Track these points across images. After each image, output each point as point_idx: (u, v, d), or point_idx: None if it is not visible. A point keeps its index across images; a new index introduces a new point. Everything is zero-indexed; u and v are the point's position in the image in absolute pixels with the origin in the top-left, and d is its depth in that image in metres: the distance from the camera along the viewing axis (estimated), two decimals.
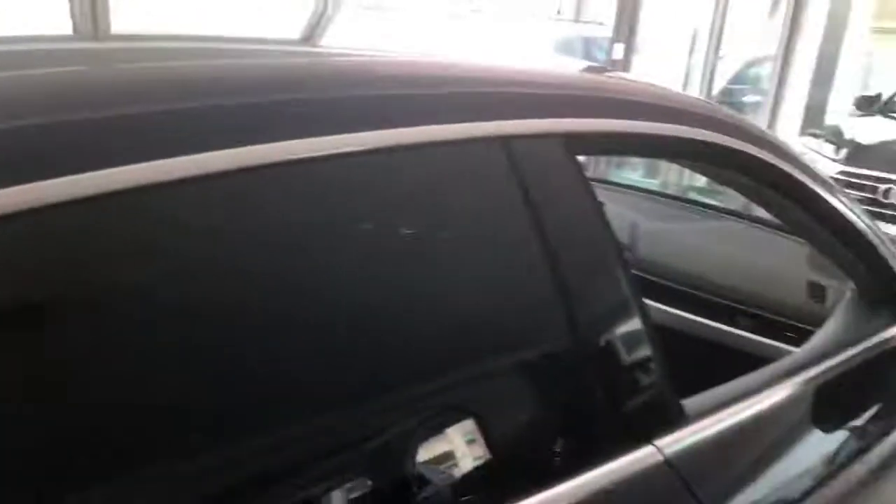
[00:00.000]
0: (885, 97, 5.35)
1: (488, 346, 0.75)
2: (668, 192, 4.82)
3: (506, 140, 0.78)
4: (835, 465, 1.10)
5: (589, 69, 1.45)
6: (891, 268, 1.38)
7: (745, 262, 1.77)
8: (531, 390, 0.78)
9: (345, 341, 0.66)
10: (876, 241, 1.35)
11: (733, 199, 4.03)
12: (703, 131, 1.04)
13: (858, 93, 5.87)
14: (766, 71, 7.13)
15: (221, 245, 0.62)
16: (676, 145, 1.03)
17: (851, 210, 1.31)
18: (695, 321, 1.63)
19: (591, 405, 0.79)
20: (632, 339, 0.84)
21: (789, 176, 1.17)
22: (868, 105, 5.34)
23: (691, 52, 6.29)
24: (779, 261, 1.72)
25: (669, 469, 0.81)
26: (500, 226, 0.78)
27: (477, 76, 0.89)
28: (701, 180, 6.40)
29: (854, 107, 5.63)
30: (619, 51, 5.62)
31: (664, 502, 0.82)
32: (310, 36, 0.97)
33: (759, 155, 1.11)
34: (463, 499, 0.68)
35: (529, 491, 0.71)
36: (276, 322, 0.63)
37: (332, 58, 0.88)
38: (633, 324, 0.84)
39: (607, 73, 1.59)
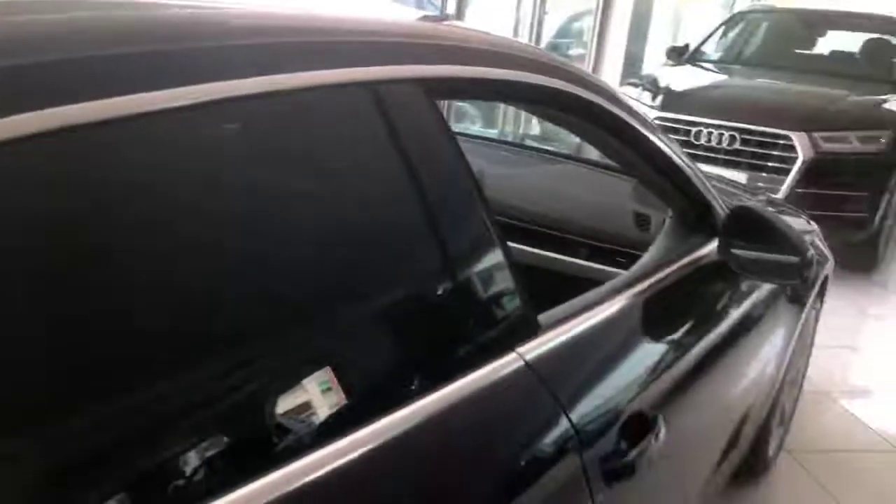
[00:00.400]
0: (692, 48, 5.85)
1: (362, 275, 0.82)
2: (508, 140, 5.04)
3: (368, 85, 0.85)
4: (662, 364, 1.28)
5: (430, 18, 1.53)
6: (703, 196, 1.59)
7: (580, 199, 1.95)
8: (407, 313, 0.86)
9: (220, 279, 0.70)
10: (690, 173, 1.55)
11: (565, 145, 4.29)
12: (545, 78, 1.16)
13: (669, 44, 6.37)
14: (588, 24, 7.53)
15: (87, 196, 0.62)
16: (523, 91, 1.14)
17: (669, 147, 1.49)
18: (542, 255, 1.78)
19: (463, 322, 0.89)
20: (492, 265, 0.95)
21: (618, 118, 1.32)
22: (678, 55, 5.81)
23: (519, 6, 6.53)
24: (609, 197, 1.92)
25: (529, 370, 0.93)
26: (370, 163, 0.85)
27: (334, 25, 0.94)
28: (533, 130, 6.72)
29: (666, 57, 6.11)
30: (452, 3, 5.74)
31: (526, 398, 0.94)
32: None
33: (593, 99, 1.25)
34: (339, 413, 0.74)
35: (408, 400, 0.80)
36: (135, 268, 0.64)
37: (190, 10, 0.89)
38: (493, 251, 0.95)
39: (455, 23, 1.67)
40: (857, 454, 2.74)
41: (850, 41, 5.93)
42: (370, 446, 0.74)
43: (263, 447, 0.68)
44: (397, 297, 0.86)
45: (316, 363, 0.75)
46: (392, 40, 0.96)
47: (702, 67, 5.59)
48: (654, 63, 7.55)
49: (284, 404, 0.70)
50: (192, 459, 0.62)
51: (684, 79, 5.21)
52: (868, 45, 5.55)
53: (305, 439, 0.70)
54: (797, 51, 5.99)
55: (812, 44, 6.08)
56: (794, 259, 1.53)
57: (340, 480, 0.71)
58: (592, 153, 2.06)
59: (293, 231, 0.76)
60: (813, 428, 2.84)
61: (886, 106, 4.65)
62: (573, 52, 7.76)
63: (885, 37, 5.49)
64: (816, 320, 2.56)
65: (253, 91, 0.73)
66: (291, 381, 0.72)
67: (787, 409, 2.53)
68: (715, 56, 5.83)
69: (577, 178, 2.09)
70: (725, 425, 1.74)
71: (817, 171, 4.20)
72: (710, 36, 5.98)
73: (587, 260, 1.77)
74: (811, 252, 1.58)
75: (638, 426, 1.09)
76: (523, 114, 6.58)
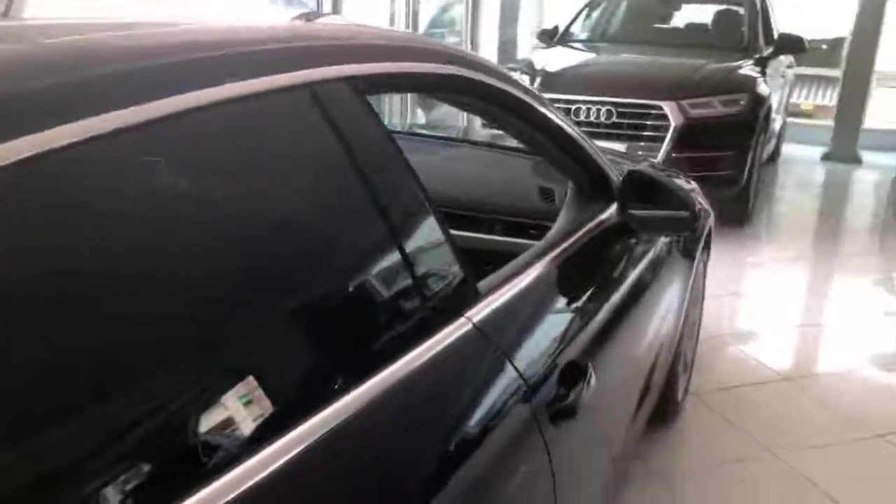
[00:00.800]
0: (561, 30, 6.11)
1: (326, 257, 0.89)
2: (400, 130, 5.11)
3: (306, 87, 0.91)
4: (584, 318, 1.41)
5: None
6: (598, 166, 1.73)
7: (485, 180, 2.06)
8: (369, 291, 0.94)
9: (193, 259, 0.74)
10: (585, 146, 1.69)
11: (454, 131, 4.39)
12: (453, 67, 1.25)
13: (537, 28, 6.63)
14: (459, 13, 7.71)
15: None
16: (437, 81, 1.23)
17: (565, 123, 1.62)
18: (465, 236, 1.88)
19: (418, 294, 0.98)
20: (436, 242, 1.03)
21: (520, 100, 1.43)
22: (549, 38, 6.06)
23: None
24: (512, 175, 2.04)
25: (477, 331, 1.03)
26: (314, 155, 0.92)
27: (257, 36, 0.99)
28: (419, 119, 6.81)
29: (537, 40, 6.36)
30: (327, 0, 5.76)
31: (478, 355, 1.04)
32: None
33: (497, 84, 1.36)
34: (306, 384, 0.80)
35: (375, 368, 0.88)
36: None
37: (117, 31, 0.92)
38: (435, 231, 1.03)
39: (354, 24, 1.74)
40: (752, 387, 3.01)
41: (702, 14, 6.37)
42: (344, 417, 0.80)
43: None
44: (361, 277, 0.93)
45: (289, 334, 0.81)
46: (314, 45, 1.03)
47: (572, 48, 5.85)
48: (527, 47, 7.83)
49: (263, 376, 0.75)
50: (119, 481, 0.61)
51: (558, 60, 5.44)
52: (718, 16, 5.98)
53: (285, 405, 0.76)
54: (656, 25, 6.37)
55: (669, 18, 6.49)
56: (684, 213, 1.70)
57: (319, 446, 0.76)
58: (479, 137, 2.16)
59: (249, 222, 0.82)
60: (712, 370, 3.09)
61: (742, 71, 5.04)
62: (447, 41, 7.93)
63: (733, 7, 5.93)
64: (705, 271, 2.79)
65: (200, 103, 0.78)
66: (271, 347, 0.78)
67: (688, 356, 2.75)
68: (583, 36, 6.11)
69: (478, 160, 2.20)
70: (640, 372, 1.90)
71: (689, 135, 4.51)
72: (576, 17, 6.26)
73: (501, 236, 1.88)
74: (698, 205, 1.76)
75: (572, 373, 1.21)
76: (408, 104, 6.68)
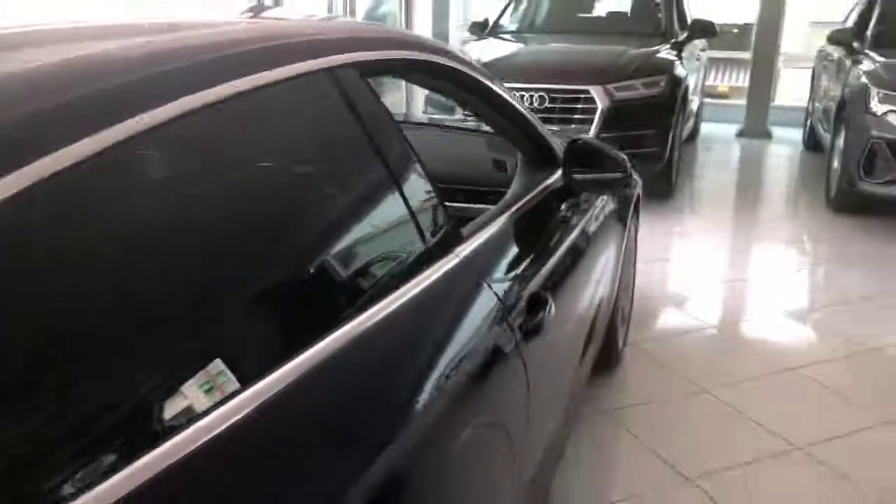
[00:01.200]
0: (490, 22, 6.41)
1: (362, 204, 1.14)
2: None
3: (325, 70, 1.15)
4: (537, 260, 1.68)
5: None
6: (543, 138, 2.01)
7: (445, 156, 2.32)
8: (395, 233, 1.19)
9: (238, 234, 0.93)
10: (532, 120, 1.97)
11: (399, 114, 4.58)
12: (426, 54, 1.51)
13: (464, 21, 6.91)
14: (391, 8, 7.93)
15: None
16: (413, 66, 1.49)
17: (516, 102, 1.89)
18: None
19: (425, 235, 1.23)
20: (429, 199, 1.30)
21: (478, 81, 1.70)
22: (480, 30, 6.36)
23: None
24: (471, 151, 2.31)
25: (465, 264, 1.30)
26: (334, 122, 1.17)
27: (285, 32, 1.22)
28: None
29: (469, 33, 6.64)
30: None
31: (465, 281, 1.30)
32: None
33: (460, 68, 1.62)
34: (354, 291, 1.06)
35: (394, 289, 1.12)
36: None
37: (176, 32, 1.13)
38: (427, 185, 1.29)
39: (337, 17, 1.97)
40: (683, 336, 3.37)
41: (621, 2, 6.77)
42: (373, 322, 1.05)
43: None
44: (388, 223, 1.20)
45: (335, 254, 1.06)
46: (327, 38, 1.27)
47: (502, 39, 6.16)
48: (456, 40, 8.11)
49: (310, 283, 1.00)
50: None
51: (490, 51, 5.73)
52: (635, 4, 6.39)
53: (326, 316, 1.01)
54: (580, 15, 6.74)
55: (591, 7, 6.86)
56: (619, 174, 2.00)
57: (354, 347, 0.99)
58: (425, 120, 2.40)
59: (296, 179, 1.07)
60: (647, 325, 3.43)
61: (660, 55, 5.43)
62: None
63: None
64: (636, 235, 3.11)
65: (242, 89, 1.00)
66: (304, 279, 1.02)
67: (626, 309, 3.08)
68: (512, 27, 6.42)
69: (436, 139, 2.45)
70: (585, 314, 2.19)
71: (615, 116, 4.87)
72: (504, 10, 6.57)
73: (465, 202, 2.14)
74: (630, 165, 2.05)
75: (536, 302, 1.49)
76: None
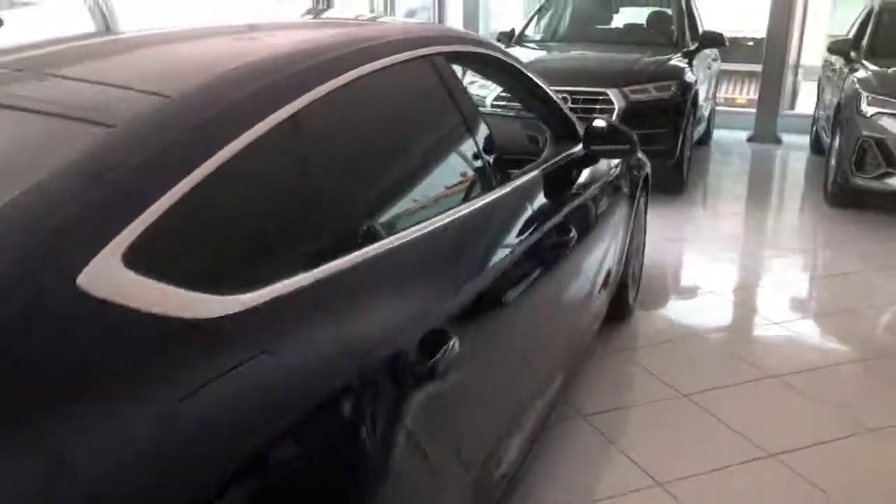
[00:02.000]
0: (517, 32, 7.01)
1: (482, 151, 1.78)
2: None
3: (424, 57, 1.74)
4: (556, 212, 2.24)
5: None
6: (568, 118, 2.59)
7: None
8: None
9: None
10: (561, 105, 2.55)
11: None
12: (480, 48, 2.12)
13: (487, 33, 7.51)
14: (423, 18, 8.55)
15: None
16: (472, 57, 2.10)
17: (549, 90, 2.48)
18: None
19: (487, 170, 1.82)
20: (492, 147, 1.89)
21: (521, 71, 2.29)
22: (508, 39, 6.95)
23: (371, 4, 7.44)
24: (511, 130, 2.91)
25: (519, 191, 1.89)
26: (436, 94, 1.75)
27: (392, 32, 1.81)
28: None
29: (497, 41, 7.23)
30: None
31: (520, 205, 1.89)
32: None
33: (506, 60, 2.22)
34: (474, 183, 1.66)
35: (485, 192, 1.73)
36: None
37: (328, 28, 1.74)
38: (492, 141, 1.89)
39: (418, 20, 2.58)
40: (689, 300, 3.93)
41: (638, 15, 7.34)
42: (467, 213, 1.64)
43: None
44: (470, 159, 1.81)
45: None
46: (421, 34, 1.86)
47: (528, 47, 6.75)
48: None
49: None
50: None
51: (519, 58, 6.30)
52: (651, 17, 6.97)
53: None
54: (599, 26, 7.32)
55: (610, 19, 7.45)
56: (626, 146, 2.57)
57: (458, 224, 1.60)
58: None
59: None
60: (656, 290, 3.98)
61: (671, 63, 6.00)
62: None
63: (663, 9, 6.92)
64: (646, 208, 3.67)
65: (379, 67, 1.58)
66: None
67: (636, 271, 3.63)
68: (537, 37, 7.02)
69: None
70: (602, 266, 2.75)
71: (630, 116, 5.42)
72: (529, 21, 7.17)
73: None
74: (636, 137, 2.62)
75: (567, 230, 2.07)
76: None
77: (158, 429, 0.86)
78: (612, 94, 5.46)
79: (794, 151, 8.14)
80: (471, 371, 1.47)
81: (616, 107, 5.44)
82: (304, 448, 1.03)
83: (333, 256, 1.21)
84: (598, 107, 5.46)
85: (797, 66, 9.16)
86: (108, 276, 0.89)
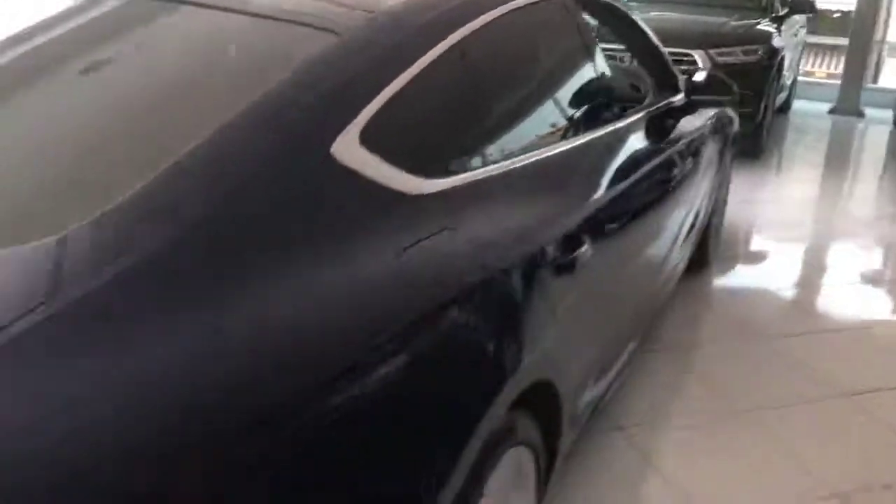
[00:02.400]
0: None
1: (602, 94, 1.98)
2: None
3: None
4: (661, 150, 2.43)
5: None
6: (671, 69, 2.75)
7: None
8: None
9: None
10: (665, 57, 2.72)
11: None
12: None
13: None
14: None
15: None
16: (594, 7, 2.30)
17: (655, 42, 2.65)
18: None
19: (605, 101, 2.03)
20: (610, 78, 2.09)
21: (634, 22, 2.47)
22: None
23: None
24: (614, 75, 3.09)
25: (626, 125, 2.10)
26: (567, 27, 1.96)
27: None
28: None
29: None
30: None
31: (626, 136, 2.11)
32: None
33: (623, 11, 2.40)
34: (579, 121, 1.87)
35: (599, 126, 1.93)
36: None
37: None
38: (610, 76, 2.09)
39: None
40: (761, 256, 4.08)
41: None
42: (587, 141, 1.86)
43: None
44: (596, 87, 2.02)
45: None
46: None
47: None
48: None
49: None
50: None
51: None
52: None
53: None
54: None
55: None
56: (726, 97, 2.74)
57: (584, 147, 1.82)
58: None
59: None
60: (734, 245, 4.14)
61: (759, 27, 6.01)
62: None
63: None
64: (731, 165, 3.80)
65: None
66: None
67: (718, 226, 3.79)
68: (633, 3, 7.08)
69: None
70: (693, 210, 2.92)
71: None
72: None
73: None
74: (736, 87, 2.78)
75: (671, 168, 2.27)
76: None
77: (384, 271, 1.11)
78: (698, 55, 5.53)
79: (877, 125, 8.04)
80: (594, 279, 1.69)
81: (700, 68, 5.51)
82: (474, 305, 1.26)
83: (503, 159, 1.45)
84: (682, 68, 5.52)
85: (883, 40, 8.96)
86: (349, 150, 1.14)
